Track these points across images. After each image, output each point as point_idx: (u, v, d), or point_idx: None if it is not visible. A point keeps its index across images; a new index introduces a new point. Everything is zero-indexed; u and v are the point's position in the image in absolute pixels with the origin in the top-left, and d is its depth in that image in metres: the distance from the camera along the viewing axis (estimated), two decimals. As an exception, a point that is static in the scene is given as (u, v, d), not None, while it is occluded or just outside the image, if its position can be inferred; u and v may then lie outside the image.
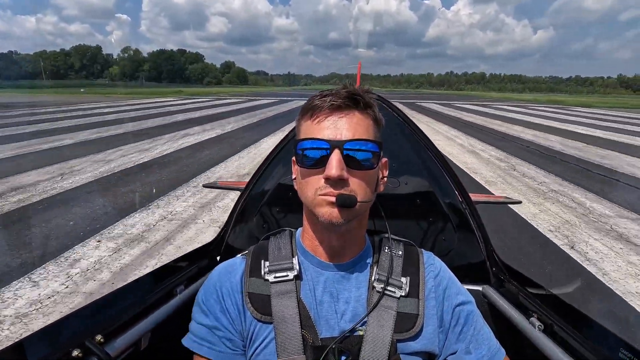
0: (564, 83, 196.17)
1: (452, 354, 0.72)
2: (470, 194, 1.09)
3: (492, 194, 5.42)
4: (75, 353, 0.64)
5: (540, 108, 31.58)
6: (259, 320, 0.69)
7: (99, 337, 0.69)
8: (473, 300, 0.76)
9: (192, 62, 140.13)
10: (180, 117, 17.07)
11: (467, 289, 0.77)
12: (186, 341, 0.71)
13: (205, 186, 2.18)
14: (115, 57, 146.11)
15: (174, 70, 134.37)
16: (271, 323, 0.68)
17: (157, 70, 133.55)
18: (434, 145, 1.10)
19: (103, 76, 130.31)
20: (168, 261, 0.99)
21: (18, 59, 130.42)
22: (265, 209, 1.17)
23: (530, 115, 23.23)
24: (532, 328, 0.83)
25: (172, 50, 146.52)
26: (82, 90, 49.58)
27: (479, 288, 1.07)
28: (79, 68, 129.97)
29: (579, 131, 14.48)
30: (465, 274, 0.91)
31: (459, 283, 0.78)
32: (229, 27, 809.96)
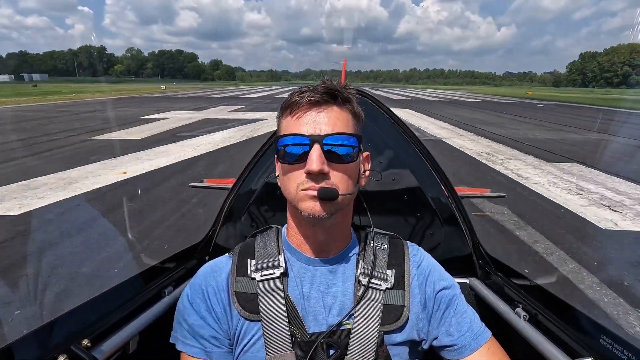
0: (513, 77, 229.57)
1: (435, 338, 0.73)
2: (456, 188, 1.13)
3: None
4: (61, 359, 0.63)
5: (411, 89, 64.69)
6: (246, 319, 0.69)
7: (85, 342, 0.68)
8: (456, 285, 0.77)
9: (189, 61, 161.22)
10: (274, 91, 43.65)
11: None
12: (174, 340, 0.72)
13: (191, 186, 2.03)
14: (116, 56, 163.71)
15: (174, 68, 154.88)
16: (259, 321, 0.69)
17: (160, 68, 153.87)
18: (419, 140, 1.14)
19: (109, 73, 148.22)
20: (155, 262, 0.99)
21: (29, 58, 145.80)
22: (253, 208, 1.19)
23: (403, 90, 53.60)
24: (518, 318, 0.85)
25: (171, 50, 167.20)
26: (174, 83, 71.02)
27: (466, 281, 1.10)
28: (87, 66, 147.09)
29: (402, 92, 45.32)
30: (452, 267, 0.92)
31: (441, 270, 0.79)
32: (199, 22, 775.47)
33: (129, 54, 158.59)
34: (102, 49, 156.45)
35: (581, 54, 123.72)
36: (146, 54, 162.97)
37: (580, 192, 4.87)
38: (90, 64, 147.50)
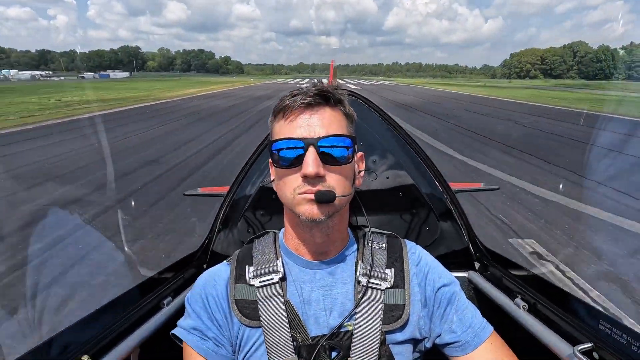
0: (480, 71, 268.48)
1: (438, 336, 0.73)
2: (450, 183, 1.13)
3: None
4: None
5: (376, 79, 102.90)
6: (247, 326, 0.69)
7: (85, 358, 0.67)
8: (456, 281, 0.77)
9: (210, 58, 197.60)
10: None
11: (452, 275, 0.79)
12: (177, 332, 0.71)
13: (185, 195, 2.07)
14: (145, 54, 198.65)
15: (199, 64, 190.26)
16: (260, 327, 0.68)
17: (187, 64, 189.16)
18: (412, 138, 1.14)
19: (144, 69, 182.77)
20: (153, 273, 0.98)
21: (76, 56, 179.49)
22: (249, 214, 1.17)
23: (365, 81, 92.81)
24: (517, 308, 0.86)
25: (194, 50, 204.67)
26: (251, 80, 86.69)
27: (465, 274, 1.10)
28: (126, 62, 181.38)
29: (361, 81, 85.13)
30: (450, 261, 0.93)
31: (441, 267, 0.79)
32: (187, 14, 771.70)
33: (160, 53, 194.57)
34: (137, 48, 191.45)
35: (511, 53, 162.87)
36: (173, 52, 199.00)
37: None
38: (128, 61, 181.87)
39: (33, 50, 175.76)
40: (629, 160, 7.64)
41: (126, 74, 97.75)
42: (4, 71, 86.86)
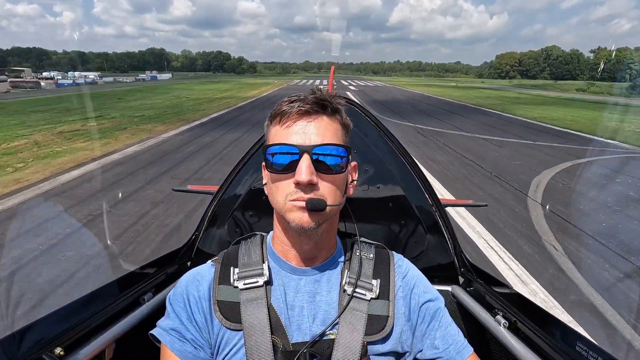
0: (478, 68, 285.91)
1: (420, 351, 0.74)
2: (440, 198, 1.15)
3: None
4: None
5: (372, 79, 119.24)
6: (228, 328, 0.68)
7: (58, 350, 0.66)
8: (441, 298, 0.78)
9: (227, 59, 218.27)
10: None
11: (437, 289, 0.80)
12: (157, 334, 0.70)
13: (174, 190, 2.13)
14: (169, 55, 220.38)
15: (218, 64, 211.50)
16: (241, 330, 0.68)
17: (208, 64, 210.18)
18: (405, 149, 1.16)
19: (168, 68, 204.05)
20: (135, 268, 0.96)
21: (110, 57, 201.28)
22: (238, 214, 1.17)
23: (361, 81, 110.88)
24: (497, 325, 0.86)
25: (212, 51, 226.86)
26: (275, 81, 78.45)
27: (448, 288, 1.11)
28: (153, 63, 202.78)
29: (360, 82, 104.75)
30: (435, 274, 0.95)
31: (427, 282, 0.80)
32: (192, 10, 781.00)
33: (182, 54, 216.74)
34: (162, 50, 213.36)
35: (497, 55, 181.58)
36: (194, 54, 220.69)
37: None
38: (154, 61, 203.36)
39: (41, 50, 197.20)
40: (423, 115, 27.38)
41: (169, 75, 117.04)
42: (69, 73, 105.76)
